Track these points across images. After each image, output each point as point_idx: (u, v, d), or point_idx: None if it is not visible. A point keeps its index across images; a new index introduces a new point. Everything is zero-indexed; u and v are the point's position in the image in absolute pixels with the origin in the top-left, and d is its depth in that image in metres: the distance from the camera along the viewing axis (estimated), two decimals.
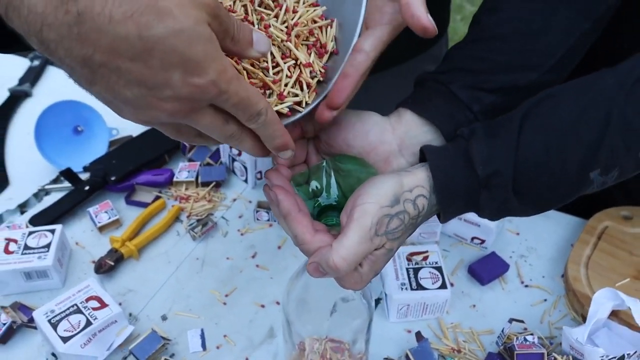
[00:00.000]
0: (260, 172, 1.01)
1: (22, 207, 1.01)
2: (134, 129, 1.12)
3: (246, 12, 0.57)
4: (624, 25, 0.76)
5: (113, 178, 0.99)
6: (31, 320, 0.80)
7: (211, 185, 1.01)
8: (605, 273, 0.86)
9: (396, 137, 0.61)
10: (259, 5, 0.58)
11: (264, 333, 0.82)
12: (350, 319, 0.67)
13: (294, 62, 0.55)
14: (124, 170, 1.01)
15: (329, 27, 0.58)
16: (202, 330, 0.81)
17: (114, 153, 1.05)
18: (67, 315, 0.78)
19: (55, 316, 0.78)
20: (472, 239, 0.93)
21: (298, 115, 0.54)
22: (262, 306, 0.85)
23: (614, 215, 0.94)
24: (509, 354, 0.77)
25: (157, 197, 1.00)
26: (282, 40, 0.55)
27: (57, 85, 1.26)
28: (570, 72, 0.66)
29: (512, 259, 0.92)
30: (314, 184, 0.61)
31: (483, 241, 0.92)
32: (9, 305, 0.83)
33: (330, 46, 0.57)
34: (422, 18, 0.53)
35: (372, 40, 0.56)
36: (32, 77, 1.25)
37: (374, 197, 0.53)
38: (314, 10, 0.57)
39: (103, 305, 0.80)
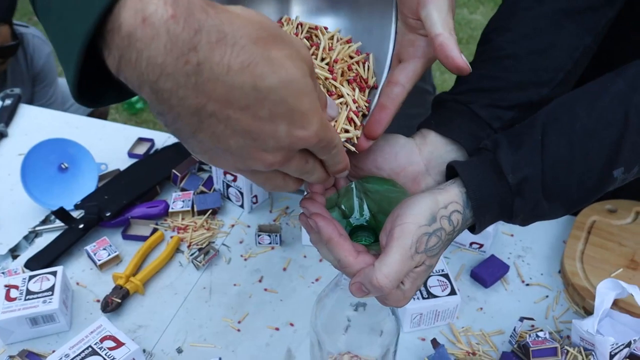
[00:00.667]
0: (255, 196, 1.02)
1: (14, 251, 0.98)
2: (122, 163, 1.11)
3: None
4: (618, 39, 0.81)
5: (108, 214, 0.98)
6: None
7: (208, 213, 1.01)
8: (600, 265, 0.91)
9: (423, 158, 0.64)
10: None
11: (282, 355, 0.82)
12: (379, 334, 0.69)
13: (340, 98, 0.57)
14: (119, 205, 1.00)
15: (365, 61, 0.61)
16: (219, 359, 0.81)
17: (105, 188, 1.04)
18: (83, 359, 0.77)
19: None
20: (471, 244, 0.96)
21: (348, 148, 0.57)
22: (277, 329, 0.86)
23: (599, 209, 0.99)
24: (523, 351, 0.79)
25: (155, 230, 0.99)
26: (325, 78, 0.57)
27: (32, 125, 1.24)
28: (573, 84, 0.70)
29: (510, 260, 0.95)
30: (343, 206, 0.63)
31: (481, 245, 0.95)
32: (16, 354, 0.81)
33: (371, 81, 0.60)
34: (457, 59, 0.55)
35: (407, 73, 0.59)
36: (6, 116, 1.22)
37: (412, 217, 0.55)
38: (350, 47, 0.60)
39: (119, 344, 0.79)
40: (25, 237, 1.00)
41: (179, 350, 0.83)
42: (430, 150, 0.64)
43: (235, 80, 0.37)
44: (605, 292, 0.80)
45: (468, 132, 0.63)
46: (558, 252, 0.96)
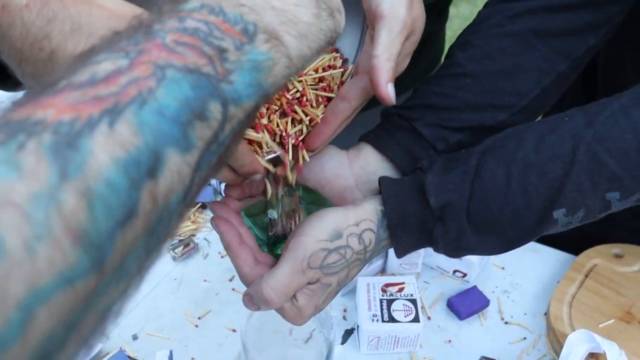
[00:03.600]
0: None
1: None
2: None
3: None
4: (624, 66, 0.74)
5: None
6: None
7: (196, 207, 1.01)
8: (589, 313, 0.83)
9: (353, 172, 0.60)
10: None
11: (233, 357, 0.81)
12: (308, 350, 0.66)
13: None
14: None
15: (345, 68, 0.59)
16: (170, 352, 0.81)
17: None
18: None
19: None
20: (454, 271, 0.90)
21: (274, 154, 0.55)
22: (234, 330, 0.84)
23: (604, 252, 0.91)
24: None
25: None
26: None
27: None
28: (542, 114, 0.64)
29: (494, 294, 0.89)
30: (271, 214, 0.60)
31: (465, 274, 0.90)
32: None
33: (335, 91, 0.59)
34: (381, 87, 0.52)
35: (357, 89, 0.56)
36: None
37: (311, 230, 0.53)
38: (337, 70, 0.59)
39: None
40: None
41: (135, 337, 0.83)
42: (361, 165, 0.60)
43: None
44: (575, 344, 0.73)
45: (406, 151, 0.59)
46: (549, 293, 0.88)
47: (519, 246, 0.55)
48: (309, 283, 0.52)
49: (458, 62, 0.62)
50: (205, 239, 0.98)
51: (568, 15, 0.60)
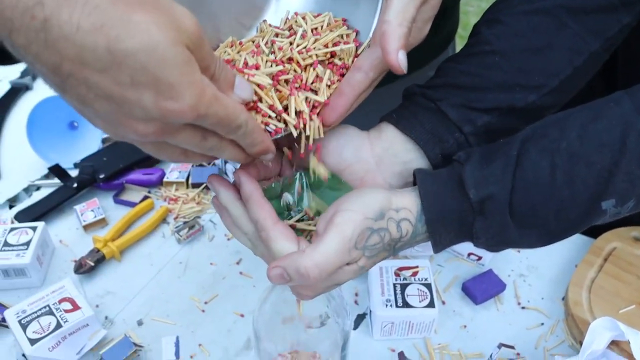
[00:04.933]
0: None
1: (12, 202, 0.99)
2: None
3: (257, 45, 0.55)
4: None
5: (102, 176, 0.97)
6: (5, 318, 0.78)
7: (202, 187, 0.98)
8: (609, 298, 0.81)
9: (374, 154, 0.57)
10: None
11: (241, 344, 0.78)
12: (322, 339, 0.63)
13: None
14: (113, 168, 0.98)
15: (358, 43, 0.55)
16: (177, 337, 0.78)
17: (106, 150, 1.02)
18: (38, 317, 0.76)
19: (27, 317, 0.75)
20: (469, 254, 0.88)
21: (284, 133, 0.52)
22: (242, 315, 0.82)
23: (623, 235, 0.88)
24: None
25: (146, 197, 0.97)
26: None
27: None
28: (573, 95, 0.60)
29: (510, 277, 0.86)
30: (287, 197, 0.57)
31: (480, 258, 0.87)
32: None
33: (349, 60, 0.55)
34: (391, 54, 0.48)
35: (372, 61, 0.52)
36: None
37: (360, 206, 0.49)
38: (333, 33, 0.55)
39: (75, 307, 0.77)
40: (26, 190, 1.01)
41: (140, 323, 0.81)
42: (384, 147, 0.57)
43: (86, 41, 0.35)
44: (599, 332, 0.70)
45: (431, 133, 0.56)
46: (567, 277, 0.86)
47: (563, 239, 0.52)
48: (347, 263, 0.49)
49: (485, 40, 0.58)
50: (211, 221, 0.95)
51: None
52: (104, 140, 1.06)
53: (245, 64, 0.52)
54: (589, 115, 0.50)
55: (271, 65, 0.51)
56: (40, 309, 0.76)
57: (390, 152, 0.56)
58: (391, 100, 0.64)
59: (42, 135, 1.02)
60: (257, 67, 0.51)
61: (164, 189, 0.99)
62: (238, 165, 0.55)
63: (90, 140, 1.05)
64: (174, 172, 1.00)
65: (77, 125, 1.07)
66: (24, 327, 0.74)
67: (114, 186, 0.98)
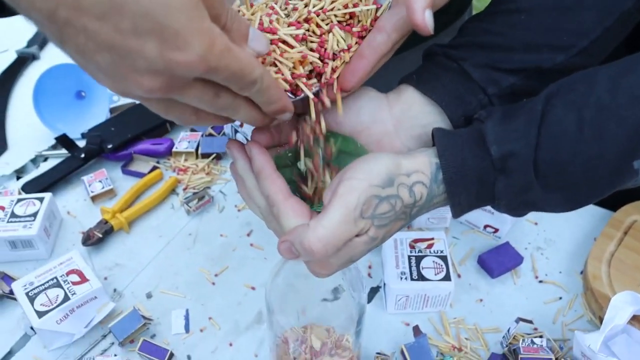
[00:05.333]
0: None
1: (19, 173, 0.97)
2: None
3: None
4: None
5: (110, 146, 0.95)
6: (13, 291, 0.77)
7: (211, 157, 0.96)
8: (630, 272, 0.78)
9: (392, 117, 0.54)
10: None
11: (252, 317, 0.77)
12: (337, 313, 0.62)
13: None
14: (121, 138, 0.96)
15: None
16: (187, 310, 0.77)
17: (114, 120, 1.00)
18: (45, 289, 0.74)
19: (34, 289, 0.74)
20: (485, 227, 0.85)
21: (302, 96, 0.49)
22: (253, 288, 0.80)
23: None
24: (513, 356, 0.70)
25: (155, 168, 0.95)
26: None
27: None
28: (604, 58, 0.57)
29: (527, 250, 0.84)
30: (304, 163, 0.54)
31: (496, 230, 0.85)
32: None
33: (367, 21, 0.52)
34: (416, 13, 0.45)
35: (396, 21, 0.49)
36: (41, 39, 1.21)
37: (364, 173, 0.46)
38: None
39: (83, 279, 0.76)
40: (33, 160, 0.99)
41: (149, 295, 0.79)
42: (402, 109, 0.54)
43: None
44: (620, 306, 0.68)
45: (453, 94, 0.53)
46: (585, 250, 0.83)
47: (591, 202, 0.49)
48: (356, 235, 0.47)
49: None
50: (221, 192, 0.93)
51: None
52: (111, 110, 1.04)
53: (261, 24, 0.49)
54: (619, 69, 0.47)
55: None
56: (47, 281, 0.75)
57: (409, 114, 0.54)
58: (407, 69, 0.62)
59: (49, 105, 1.00)
60: (273, 32, 0.48)
61: (173, 159, 0.97)
62: (249, 136, 0.53)
63: (98, 110, 1.03)
64: (183, 142, 0.97)
65: (85, 94, 1.04)
66: (32, 299, 0.73)
67: (122, 156, 0.97)
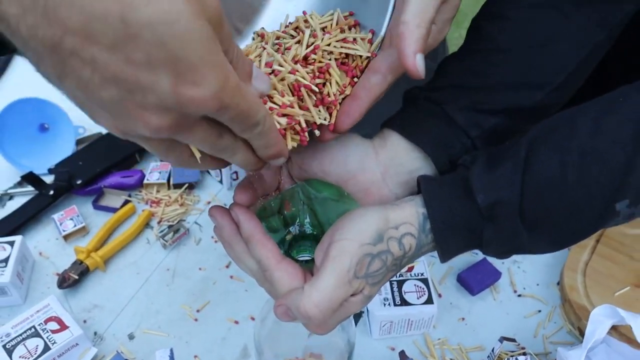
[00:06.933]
0: (236, 172, 0.95)
1: None
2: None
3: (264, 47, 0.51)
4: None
5: (79, 182, 0.93)
6: None
7: (184, 187, 0.95)
8: (604, 281, 0.80)
9: (380, 164, 0.54)
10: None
11: (237, 353, 0.76)
12: (328, 351, 0.62)
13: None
14: (90, 173, 0.94)
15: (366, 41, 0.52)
16: (171, 350, 0.76)
17: (81, 154, 0.98)
18: (24, 340, 0.73)
19: (11, 340, 0.73)
20: None
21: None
22: (236, 322, 0.80)
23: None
24: None
25: (127, 202, 0.93)
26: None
27: (25, 80, 1.19)
28: (576, 90, 0.58)
29: (504, 265, 0.86)
30: (285, 212, 0.54)
31: None
32: None
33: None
34: (407, 58, 0.46)
35: (391, 62, 0.49)
36: None
37: (354, 233, 0.47)
38: (342, 35, 0.52)
39: (63, 327, 0.74)
40: None
41: (131, 337, 0.78)
42: (389, 156, 0.54)
43: (95, 7, 0.29)
44: (599, 320, 0.70)
45: (437, 140, 0.53)
46: (560, 261, 0.85)
47: (575, 243, 0.50)
48: (352, 295, 0.47)
49: (488, 36, 0.55)
50: (197, 223, 0.92)
51: None
52: (77, 142, 1.02)
53: (269, 65, 0.48)
54: (598, 111, 0.48)
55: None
56: (25, 331, 0.73)
57: (395, 161, 0.54)
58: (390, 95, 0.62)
59: (12, 141, 0.98)
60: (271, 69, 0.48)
61: (145, 192, 0.95)
62: None
63: (63, 143, 1.01)
64: (154, 173, 0.96)
65: (48, 127, 1.02)
66: (10, 352, 0.72)
67: (92, 191, 0.95)
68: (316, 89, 0.47)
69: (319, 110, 0.48)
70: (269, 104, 0.45)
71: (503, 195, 0.47)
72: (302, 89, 0.46)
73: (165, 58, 0.31)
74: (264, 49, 0.49)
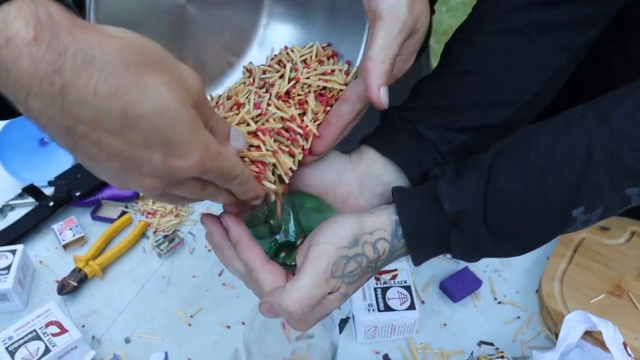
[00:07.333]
0: None
1: None
2: None
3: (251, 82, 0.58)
4: (610, 57, 0.73)
5: (78, 193, 0.97)
6: None
7: None
8: (580, 289, 0.84)
9: (356, 177, 0.59)
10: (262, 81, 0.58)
11: (229, 356, 0.80)
12: (312, 352, 0.65)
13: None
14: (89, 185, 0.98)
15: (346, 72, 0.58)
16: (165, 353, 0.79)
17: (80, 167, 1.02)
18: (25, 342, 0.76)
19: (14, 343, 0.76)
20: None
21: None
22: (228, 327, 0.83)
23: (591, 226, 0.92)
24: None
25: (124, 213, 0.97)
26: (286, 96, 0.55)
27: None
28: (544, 109, 0.63)
29: (485, 273, 0.90)
30: (272, 221, 0.59)
31: None
32: None
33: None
34: (372, 91, 0.51)
35: (359, 93, 0.54)
36: None
37: (332, 238, 0.51)
38: (320, 67, 0.58)
39: (63, 330, 0.77)
40: (0, 210, 1.00)
41: (127, 340, 0.82)
42: (365, 170, 0.59)
43: (102, 105, 0.36)
44: (573, 325, 0.74)
45: (410, 155, 0.58)
46: (539, 269, 0.89)
47: (538, 247, 0.54)
48: (329, 293, 0.51)
49: (459, 60, 0.60)
50: (190, 233, 0.96)
51: (567, 7, 0.59)
52: None
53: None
54: (556, 129, 0.52)
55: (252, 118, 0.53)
56: (27, 334, 0.77)
57: (371, 174, 0.58)
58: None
59: (13, 154, 1.01)
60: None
61: (141, 203, 0.99)
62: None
63: (62, 156, 1.04)
64: None
65: (48, 141, 1.06)
66: (12, 354, 0.75)
67: (91, 203, 0.98)
68: (299, 130, 0.53)
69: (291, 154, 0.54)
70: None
71: (467, 204, 0.51)
72: (275, 135, 0.53)
73: (157, 139, 0.38)
74: (252, 84, 0.55)
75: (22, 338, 0.77)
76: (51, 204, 0.96)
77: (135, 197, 1.00)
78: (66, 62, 0.35)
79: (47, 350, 0.75)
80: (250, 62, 0.62)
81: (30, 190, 0.96)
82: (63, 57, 0.35)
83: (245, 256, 0.52)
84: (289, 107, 0.53)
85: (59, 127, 0.37)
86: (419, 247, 0.54)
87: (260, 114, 0.53)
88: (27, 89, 0.35)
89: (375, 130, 0.61)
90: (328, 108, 0.56)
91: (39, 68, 0.34)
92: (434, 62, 1.22)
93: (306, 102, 0.55)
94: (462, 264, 0.89)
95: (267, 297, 0.52)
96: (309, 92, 0.55)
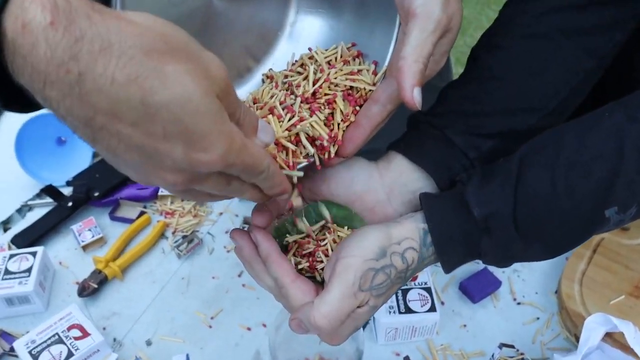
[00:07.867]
0: None
1: (6, 224, 0.99)
2: None
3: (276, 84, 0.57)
4: (633, 60, 0.72)
5: (96, 194, 0.97)
6: (14, 348, 0.79)
7: None
8: (600, 290, 0.84)
9: (384, 185, 0.59)
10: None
11: (250, 357, 0.80)
12: (338, 358, 0.66)
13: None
14: (108, 185, 0.98)
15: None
16: (187, 355, 0.80)
17: (98, 166, 1.02)
18: (48, 346, 0.77)
19: (37, 347, 0.77)
20: None
21: (305, 163, 0.54)
22: (249, 329, 0.83)
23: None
24: None
25: (142, 213, 0.97)
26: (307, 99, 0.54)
27: None
28: (571, 114, 0.62)
29: (504, 274, 0.89)
30: (300, 226, 0.58)
31: None
32: None
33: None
34: (406, 92, 0.50)
35: (391, 92, 0.54)
36: None
37: (358, 250, 0.51)
38: (347, 68, 0.57)
39: (85, 334, 0.78)
40: (19, 211, 1.00)
41: (148, 343, 0.82)
42: (393, 177, 0.58)
43: (120, 94, 0.35)
44: (593, 327, 0.74)
45: (439, 161, 0.57)
46: (558, 270, 0.89)
47: (569, 250, 0.54)
48: (358, 306, 0.51)
49: (486, 66, 0.60)
50: (209, 233, 0.96)
51: (594, 11, 0.58)
52: (94, 155, 1.06)
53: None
54: (583, 127, 0.52)
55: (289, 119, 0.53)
56: (49, 338, 0.77)
57: (399, 181, 0.58)
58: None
59: (32, 154, 1.02)
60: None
61: (159, 203, 0.99)
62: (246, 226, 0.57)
63: (80, 155, 1.05)
64: None
65: (65, 140, 1.06)
66: (35, 357, 0.76)
67: (109, 203, 0.99)
68: (326, 141, 0.53)
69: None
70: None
71: (496, 208, 0.51)
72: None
73: (178, 131, 0.37)
74: (276, 87, 0.54)
75: (45, 341, 0.77)
76: (70, 204, 0.97)
77: (154, 196, 1.00)
78: (83, 48, 0.33)
79: (70, 354, 0.76)
80: (271, 69, 0.61)
81: (49, 190, 0.97)
82: (80, 42, 0.33)
83: (275, 272, 0.52)
84: (321, 108, 0.53)
85: (77, 117, 0.36)
86: (449, 254, 0.54)
87: (291, 125, 0.52)
88: (44, 76, 0.34)
89: (402, 136, 0.61)
90: (357, 108, 0.55)
91: (56, 54, 0.33)
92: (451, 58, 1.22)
93: (334, 102, 0.54)
94: (482, 264, 0.89)
95: (297, 313, 0.52)
96: (336, 92, 0.55)
